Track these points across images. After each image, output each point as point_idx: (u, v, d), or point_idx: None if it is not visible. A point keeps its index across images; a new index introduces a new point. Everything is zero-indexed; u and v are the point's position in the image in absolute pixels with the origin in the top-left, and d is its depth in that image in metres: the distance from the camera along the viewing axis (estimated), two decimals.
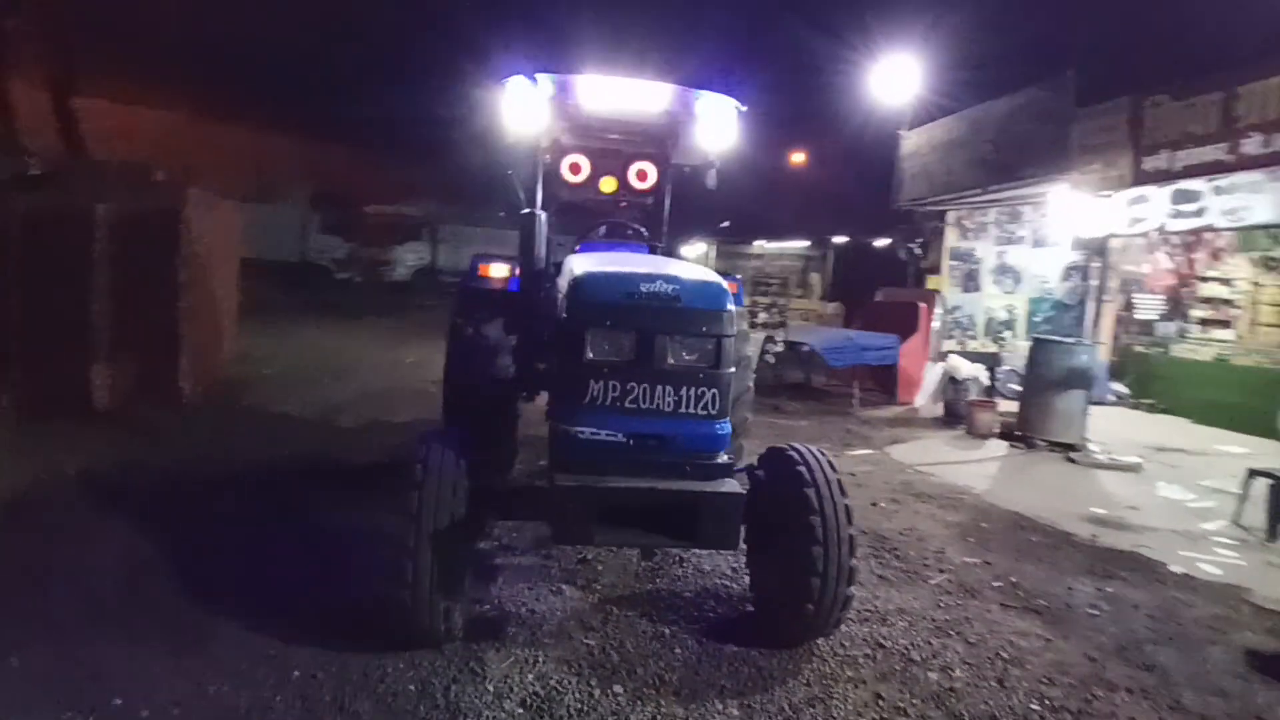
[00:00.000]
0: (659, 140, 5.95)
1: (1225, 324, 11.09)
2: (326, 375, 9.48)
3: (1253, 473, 5.60)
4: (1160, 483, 6.66)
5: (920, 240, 11.83)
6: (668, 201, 6.04)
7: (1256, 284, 10.84)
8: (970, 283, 11.33)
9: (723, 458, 2.97)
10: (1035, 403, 7.72)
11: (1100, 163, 7.77)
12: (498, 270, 4.96)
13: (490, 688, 2.92)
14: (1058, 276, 11.36)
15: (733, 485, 2.87)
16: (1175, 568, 4.71)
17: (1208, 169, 6.67)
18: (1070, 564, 4.71)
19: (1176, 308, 11.15)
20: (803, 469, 3.16)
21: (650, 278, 2.97)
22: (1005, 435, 8.03)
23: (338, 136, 23.25)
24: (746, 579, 4.01)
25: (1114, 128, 7.54)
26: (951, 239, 11.10)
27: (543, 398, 5.28)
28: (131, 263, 6.58)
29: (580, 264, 3.36)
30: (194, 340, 7.31)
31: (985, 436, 8.07)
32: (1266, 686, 3.33)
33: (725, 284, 3.04)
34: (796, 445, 3.35)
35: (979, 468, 7.10)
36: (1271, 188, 8.41)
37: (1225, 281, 11.00)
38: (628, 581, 4.02)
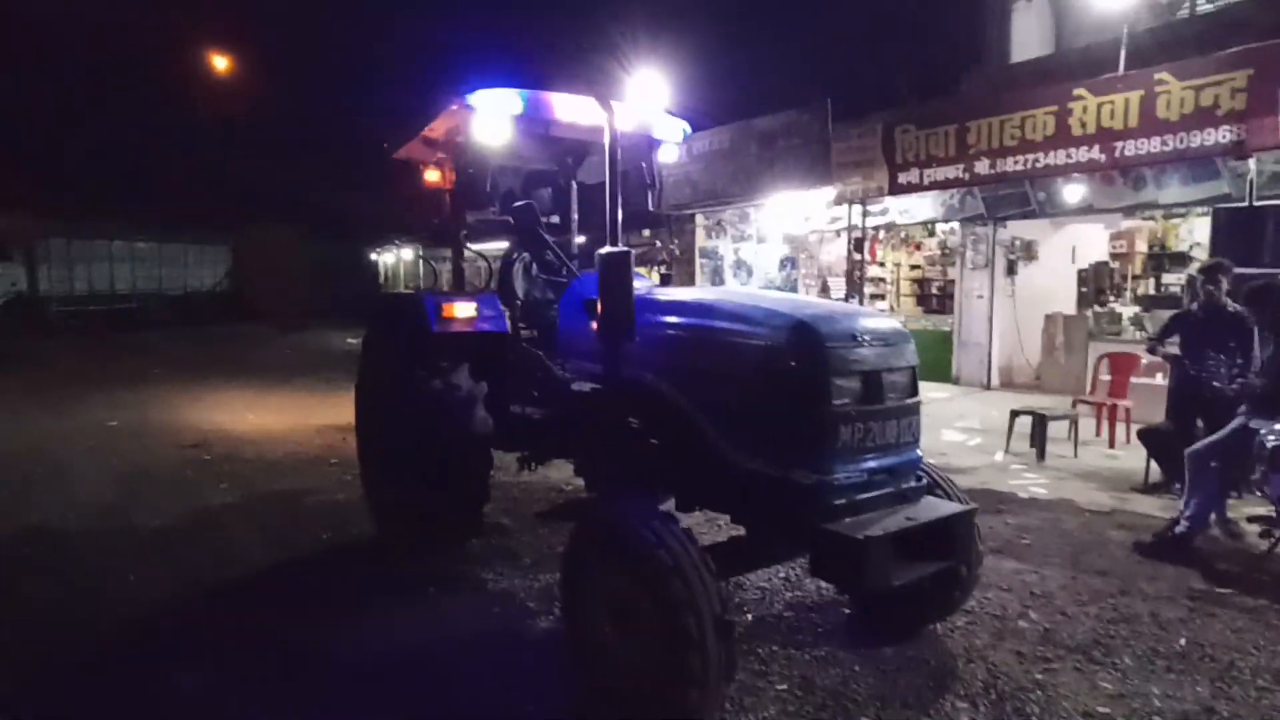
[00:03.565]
0: (560, 159, 5.77)
1: (883, 297, 14.38)
2: (34, 466, 7.02)
3: (1015, 413, 7.52)
4: (936, 430, 8.49)
5: (677, 241, 13.00)
6: (576, 219, 5.90)
7: (898, 265, 14.24)
8: (717, 278, 12.75)
9: (915, 479, 3.18)
10: None
11: (860, 176, 9.47)
12: (463, 310, 4.51)
13: None
14: (775, 267, 13.41)
15: (948, 504, 3.12)
16: (1022, 494, 6.18)
17: (949, 184, 8.66)
18: None
19: (855, 286, 14.02)
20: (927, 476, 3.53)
21: (854, 316, 3.03)
22: None
23: None
24: (806, 582, 4.27)
25: (871, 148, 9.24)
26: (700, 239, 12.34)
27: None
28: None
29: (743, 305, 3.23)
30: None
31: None
32: (1167, 565, 4.65)
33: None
34: None
35: None
36: (929, 194, 11.13)
37: (881, 264, 14.21)
38: None
